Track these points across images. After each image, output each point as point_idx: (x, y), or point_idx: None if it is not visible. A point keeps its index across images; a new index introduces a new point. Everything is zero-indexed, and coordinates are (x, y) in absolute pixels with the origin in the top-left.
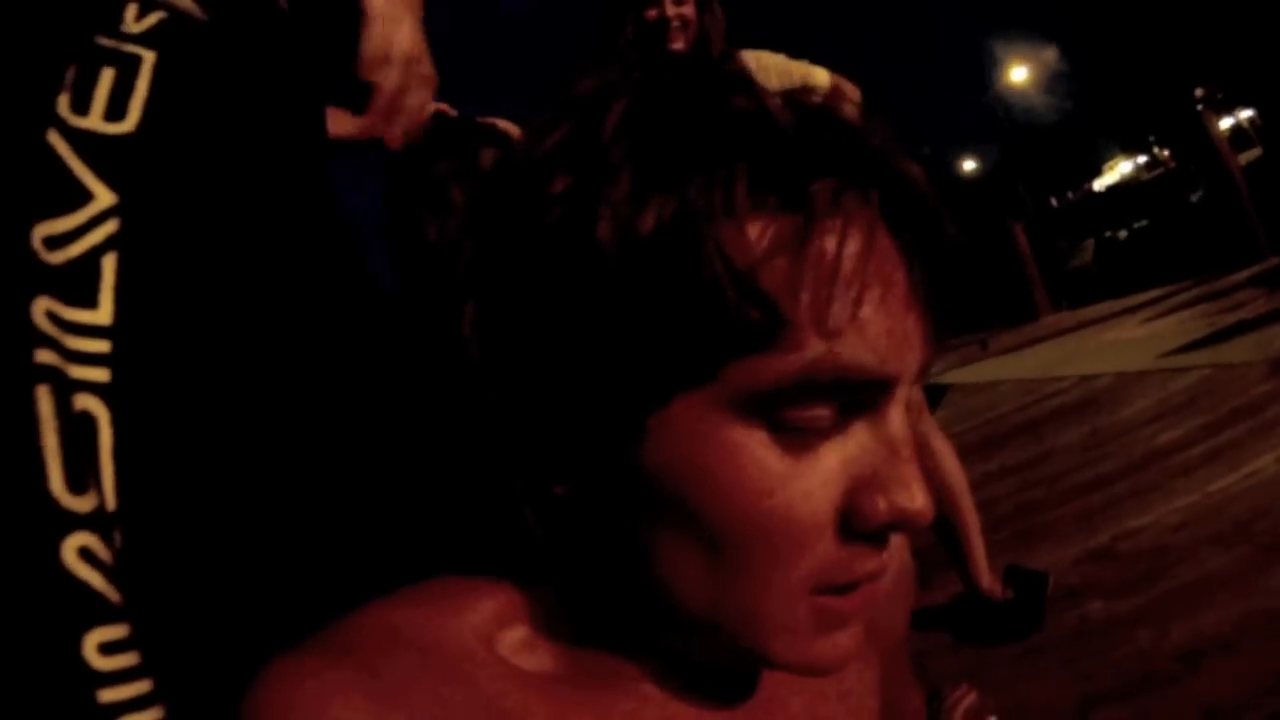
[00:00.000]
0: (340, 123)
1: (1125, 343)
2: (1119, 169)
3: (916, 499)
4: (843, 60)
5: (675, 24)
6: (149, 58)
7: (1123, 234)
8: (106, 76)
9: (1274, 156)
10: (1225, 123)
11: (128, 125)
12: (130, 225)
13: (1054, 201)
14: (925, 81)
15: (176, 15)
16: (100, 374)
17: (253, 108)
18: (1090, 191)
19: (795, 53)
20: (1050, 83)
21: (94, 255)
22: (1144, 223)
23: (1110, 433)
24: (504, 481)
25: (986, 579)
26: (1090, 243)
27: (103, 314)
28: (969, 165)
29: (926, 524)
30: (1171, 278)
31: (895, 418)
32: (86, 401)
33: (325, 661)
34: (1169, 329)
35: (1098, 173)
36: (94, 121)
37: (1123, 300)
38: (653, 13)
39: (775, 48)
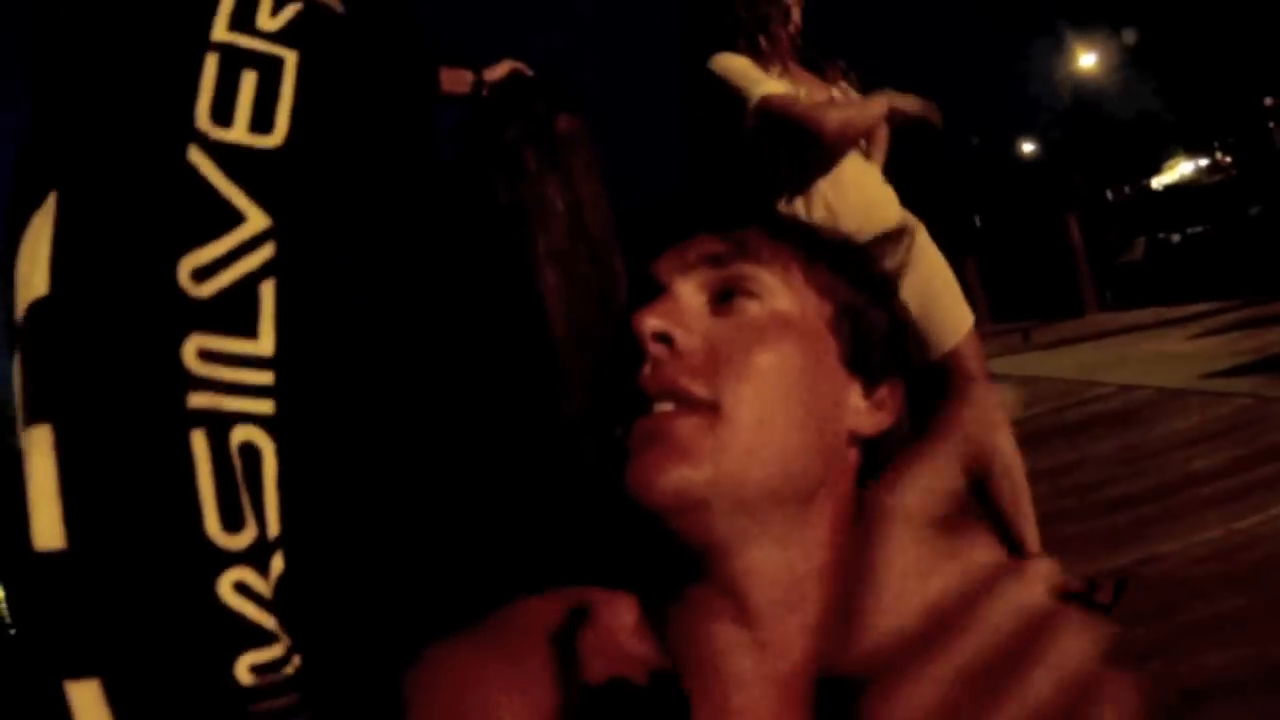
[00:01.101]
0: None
1: (1169, 356)
2: (1179, 169)
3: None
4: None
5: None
6: (291, 59)
7: (1176, 237)
8: (248, 82)
9: None
10: None
11: (276, 137)
12: (287, 248)
13: (1109, 195)
14: (991, 58)
15: (313, 6)
16: (264, 406)
17: (387, 102)
18: (1148, 188)
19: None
20: (1119, 73)
21: (250, 283)
22: (1199, 229)
23: (1145, 450)
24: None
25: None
26: (1142, 240)
27: (264, 344)
28: (1028, 147)
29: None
30: (1222, 292)
31: None
32: (250, 433)
33: (473, 649)
34: (1214, 349)
35: (1157, 170)
36: (239, 134)
37: (1170, 309)
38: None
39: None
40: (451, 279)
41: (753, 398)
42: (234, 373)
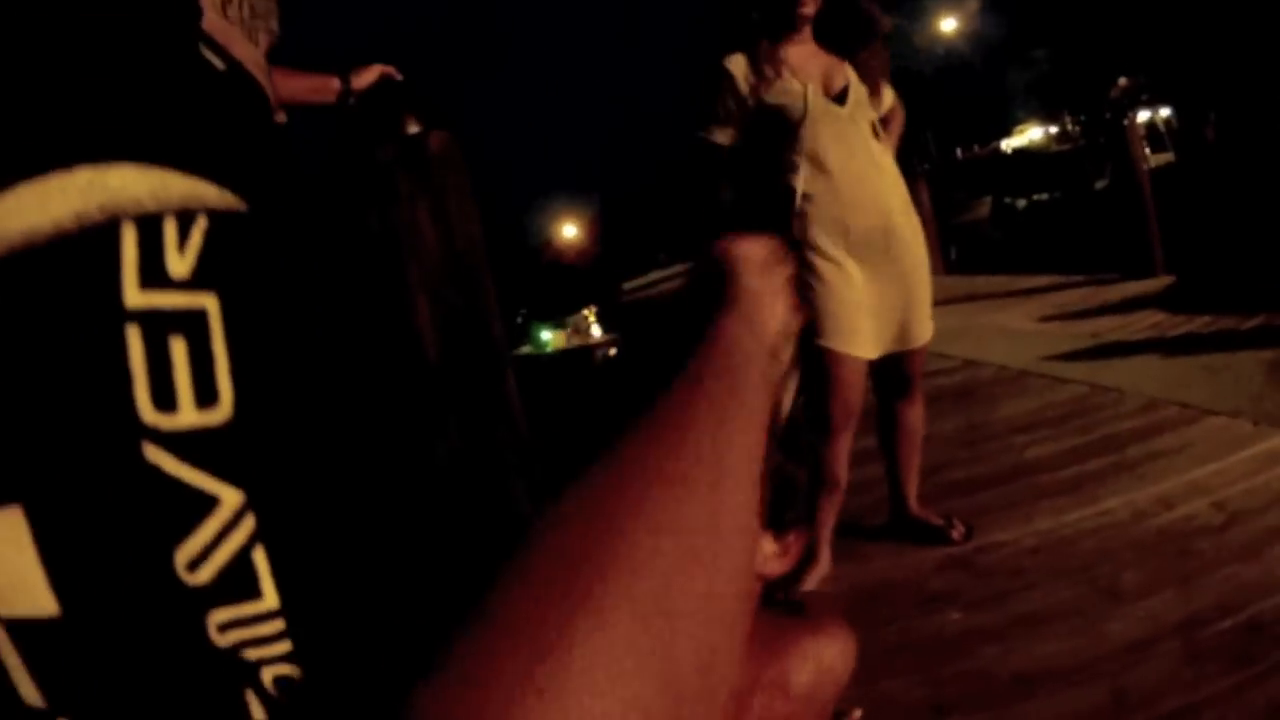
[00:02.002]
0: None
1: (1012, 333)
2: (1029, 134)
3: None
4: None
5: None
6: (213, 307)
7: (1021, 202)
8: (179, 352)
9: (1185, 167)
10: (1145, 115)
11: (224, 408)
12: (265, 513)
13: (959, 153)
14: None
15: (218, 220)
16: (282, 647)
17: (308, 292)
18: (997, 150)
19: None
20: (976, 36)
21: (244, 555)
22: (1044, 196)
23: (986, 432)
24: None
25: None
26: (988, 200)
27: (269, 601)
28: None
29: None
30: (1064, 264)
31: None
32: (278, 670)
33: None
34: (1054, 328)
35: (1007, 133)
36: (188, 417)
37: (1014, 278)
38: None
39: None
40: (323, 309)
41: None
42: (250, 630)
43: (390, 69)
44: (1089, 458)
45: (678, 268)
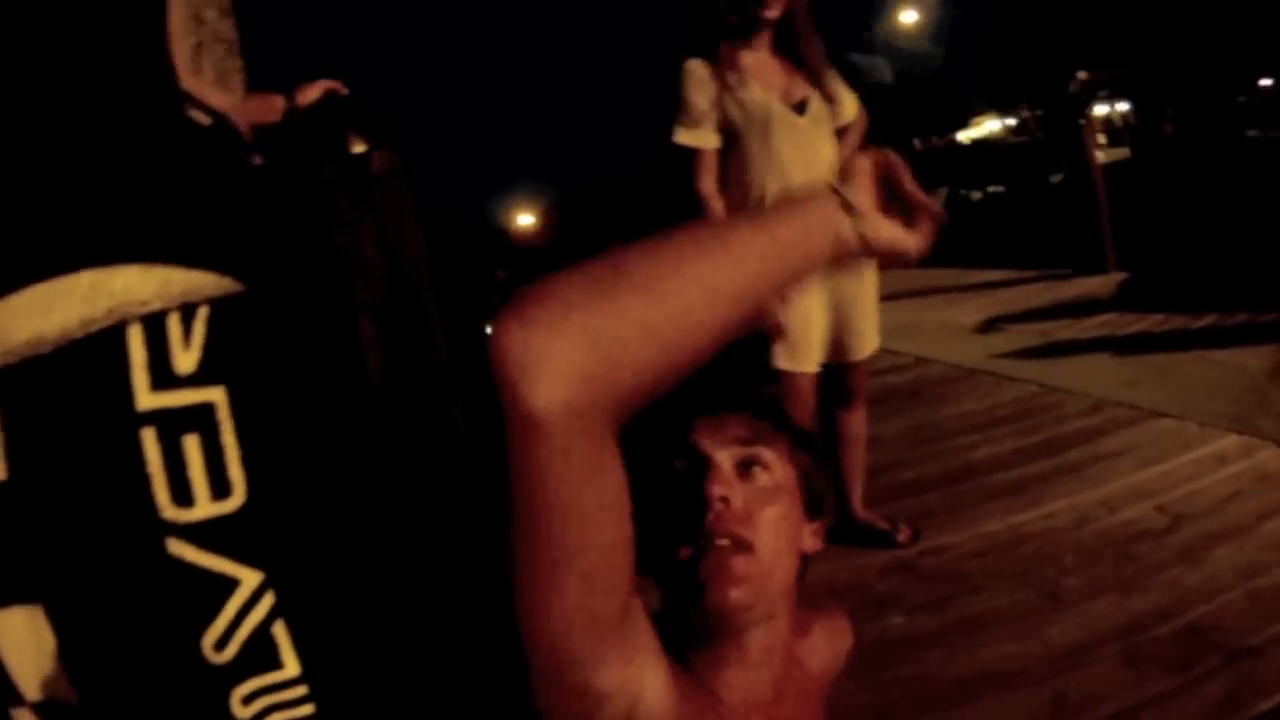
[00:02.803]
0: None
1: (962, 329)
2: (987, 125)
3: None
4: None
5: None
6: (220, 399)
7: (976, 194)
8: (192, 449)
9: (1141, 163)
10: (1103, 110)
11: (237, 496)
12: (283, 588)
13: (917, 143)
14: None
15: (219, 307)
16: (305, 710)
17: (310, 367)
18: (953, 141)
19: None
20: (937, 28)
21: (264, 629)
22: (1000, 188)
23: (934, 431)
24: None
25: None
26: (944, 191)
27: (290, 669)
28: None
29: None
30: (1017, 258)
31: None
32: None
33: None
34: (1008, 328)
35: (965, 124)
36: (204, 509)
37: (966, 272)
38: None
39: None
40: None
41: (769, 539)
42: (275, 696)
43: (336, 84)
44: (1035, 459)
45: None
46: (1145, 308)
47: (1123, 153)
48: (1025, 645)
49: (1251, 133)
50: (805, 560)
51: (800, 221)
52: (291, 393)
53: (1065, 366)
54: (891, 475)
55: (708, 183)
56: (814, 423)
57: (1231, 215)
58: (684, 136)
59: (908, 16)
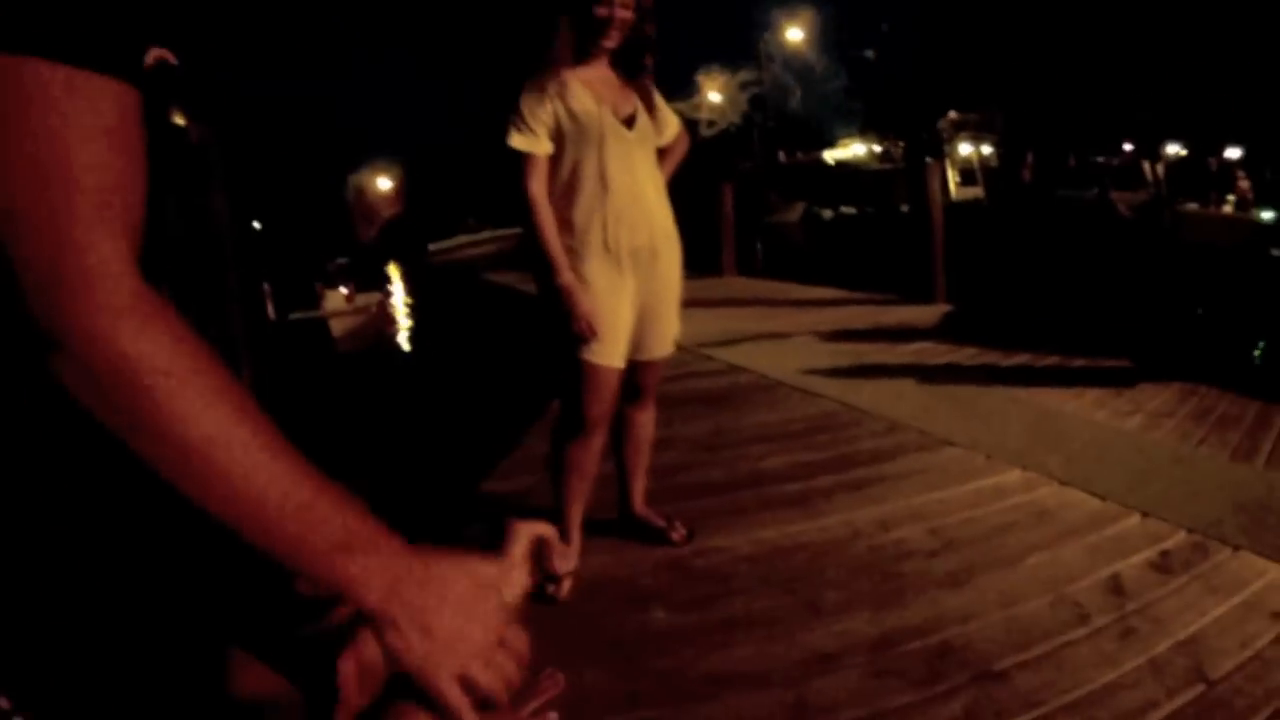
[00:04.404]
0: None
1: (783, 343)
2: (853, 147)
3: None
4: None
5: (617, 23)
6: None
7: (828, 213)
8: None
9: (991, 205)
10: (968, 149)
11: None
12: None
13: (782, 155)
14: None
15: None
16: None
17: None
18: (818, 159)
19: None
20: (817, 48)
21: None
22: (852, 210)
23: (730, 438)
24: None
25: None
26: (801, 205)
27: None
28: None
29: None
30: (857, 279)
31: None
32: None
33: None
34: (825, 345)
35: (832, 144)
36: None
37: (798, 288)
38: (602, 11)
39: None
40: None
41: None
42: None
43: (166, 53)
44: (822, 473)
45: (485, 233)
46: (961, 340)
47: (976, 192)
48: (777, 649)
49: (1093, 190)
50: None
51: (340, 534)
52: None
53: (870, 388)
54: (680, 477)
55: (536, 186)
56: (613, 418)
57: (1065, 265)
58: (517, 141)
59: (794, 34)
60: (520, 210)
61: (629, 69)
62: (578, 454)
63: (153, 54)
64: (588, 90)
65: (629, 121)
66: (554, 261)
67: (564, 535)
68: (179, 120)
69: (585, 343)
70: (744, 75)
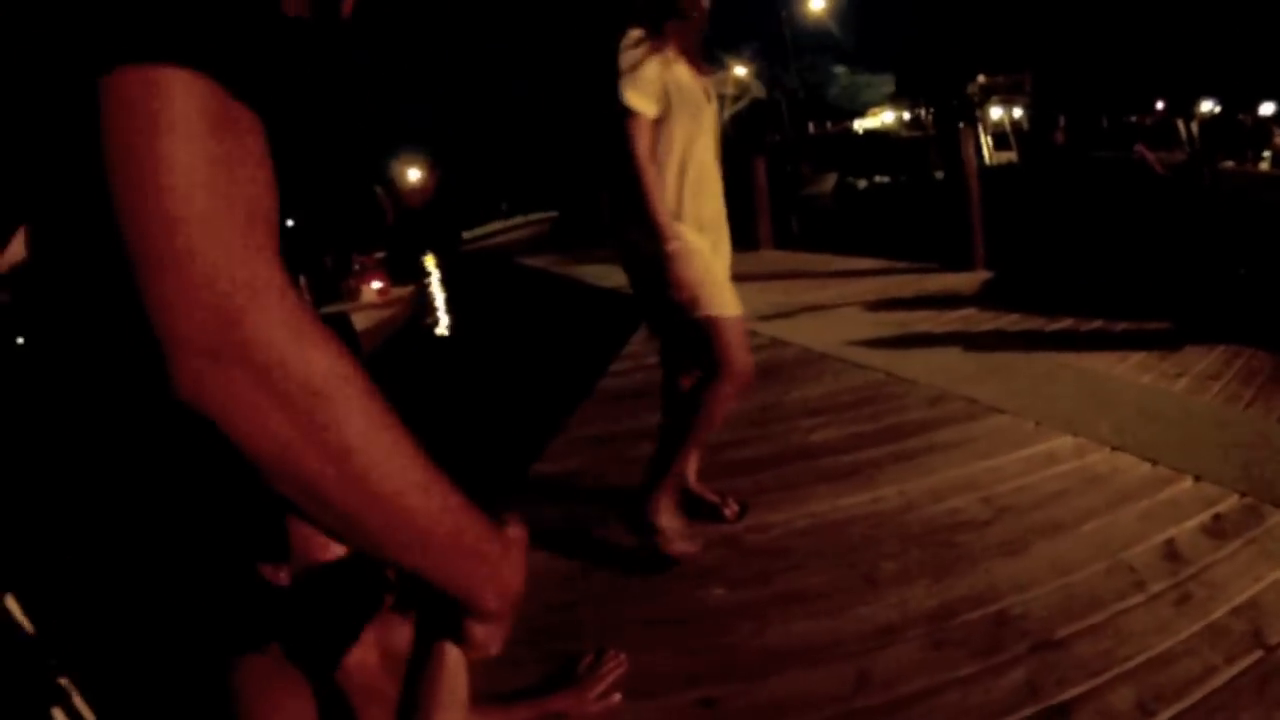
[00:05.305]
0: None
1: (826, 315)
2: (882, 116)
3: None
4: None
5: (702, 7)
6: None
7: (862, 183)
8: None
9: (1025, 168)
10: (999, 114)
11: None
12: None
13: (811, 128)
14: None
15: None
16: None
17: None
18: (848, 129)
19: None
20: (844, 17)
21: None
22: (885, 179)
23: (777, 413)
24: None
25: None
26: (834, 176)
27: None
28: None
29: None
30: (895, 248)
31: None
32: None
33: None
34: (868, 316)
35: (862, 112)
36: None
37: (837, 259)
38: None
39: None
40: None
41: None
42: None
43: None
44: (871, 445)
45: (517, 219)
46: (1004, 307)
47: (1010, 156)
48: (836, 622)
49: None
50: None
51: (488, 546)
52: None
53: (915, 358)
54: (730, 452)
55: (646, 148)
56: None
57: (1103, 228)
58: (635, 100)
59: (817, 3)
60: (623, 174)
61: (694, 50)
62: (721, 408)
63: None
64: (683, 65)
65: (706, 95)
66: (664, 227)
67: (673, 495)
68: None
69: (706, 300)
70: (769, 48)
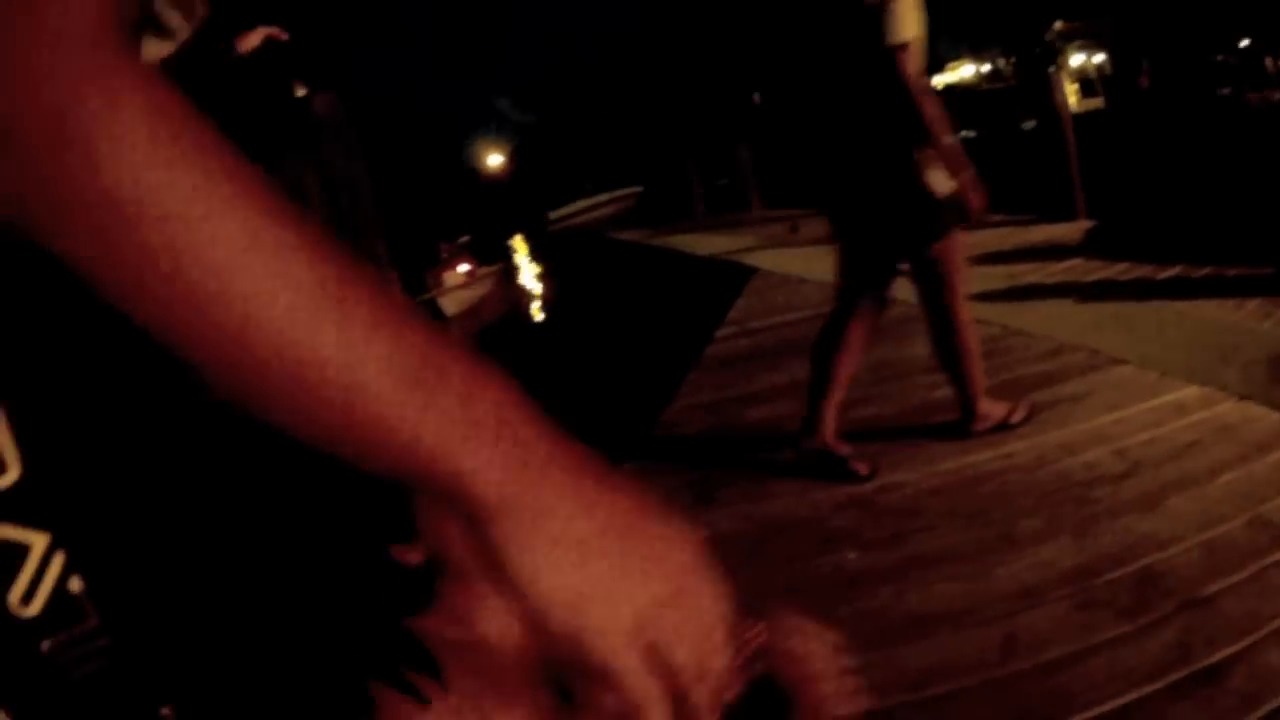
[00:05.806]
0: None
1: None
2: (961, 71)
3: None
4: None
5: None
6: None
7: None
8: None
9: (1114, 114)
10: (1079, 60)
11: (12, 472)
12: (74, 548)
13: None
14: None
15: None
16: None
17: None
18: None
19: None
20: None
21: (61, 586)
22: (971, 134)
23: (894, 369)
24: None
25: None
26: None
27: (91, 620)
28: None
29: None
30: (988, 203)
31: None
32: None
33: None
34: (973, 270)
35: (940, 68)
36: None
37: None
38: None
39: None
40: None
41: None
42: (81, 648)
43: (275, 30)
44: (996, 400)
45: (602, 196)
46: (1111, 256)
47: (1097, 103)
48: (977, 585)
49: (1225, 90)
50: None
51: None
52: (63, 355)
53: (1029, 310)
54: (852, 411)
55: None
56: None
57: (1202, 171)
58: (913, 31)
59: None
60: (899, 98)
61: None
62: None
63: (260, 32)
64: None
65: None
66: (941, 132)
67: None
68: (300, 92)
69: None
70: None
